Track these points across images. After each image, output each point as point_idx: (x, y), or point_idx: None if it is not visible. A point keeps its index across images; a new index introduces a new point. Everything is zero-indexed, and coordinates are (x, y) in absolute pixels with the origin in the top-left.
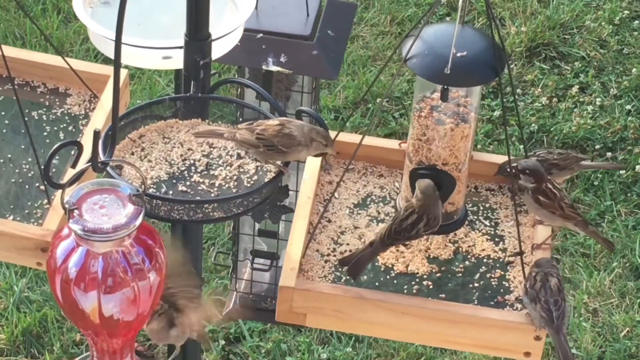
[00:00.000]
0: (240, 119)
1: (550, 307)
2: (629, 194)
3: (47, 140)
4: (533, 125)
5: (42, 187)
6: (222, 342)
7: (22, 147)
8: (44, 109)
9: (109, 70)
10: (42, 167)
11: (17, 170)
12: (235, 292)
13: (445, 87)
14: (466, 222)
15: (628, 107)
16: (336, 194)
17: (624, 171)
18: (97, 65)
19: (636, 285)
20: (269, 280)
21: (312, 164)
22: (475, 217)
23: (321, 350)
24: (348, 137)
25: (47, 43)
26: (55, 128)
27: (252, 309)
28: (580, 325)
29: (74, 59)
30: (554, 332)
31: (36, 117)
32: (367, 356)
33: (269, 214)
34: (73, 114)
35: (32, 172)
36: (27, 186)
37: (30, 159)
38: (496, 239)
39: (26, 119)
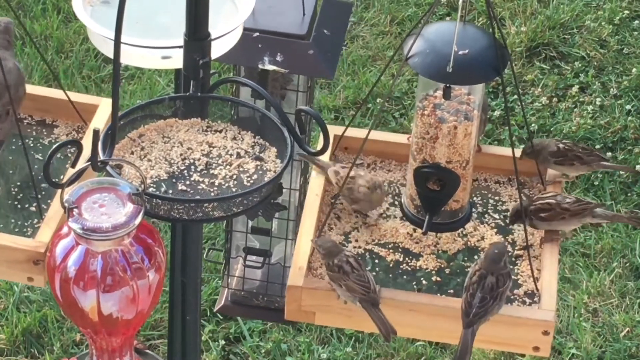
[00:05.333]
0: (235, 117)
1: (472, 302)
2: (629, 194)
3: (36, 166)
4: (533, 125)
5: (33, 208)
6: (222, 342)
7: (11, 172)
8: (32, 139)
9: (96, 100)
10: (42, 166)
11: (6, 193)
12: (227, 289)
13: (448, 85)
14: (475, 216)
15: (628, 107)
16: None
17: (623, 171)
18: (85, 95)
19: (636, 285)
20: (260, 278)
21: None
22: (484, 209)
23: (321, 350)
24: (356, 133)
25: (46, 43)
26: (42, 155)
27: (243, 305)
28: (580, 325)
29: (68, 91)
30: (464, 326)
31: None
32: (367, 356)
33: (263, 211)
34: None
35: (22, 195)
36: (18, 205)
37: (19, 183)
38: (505, 232)
39: (20, 143)
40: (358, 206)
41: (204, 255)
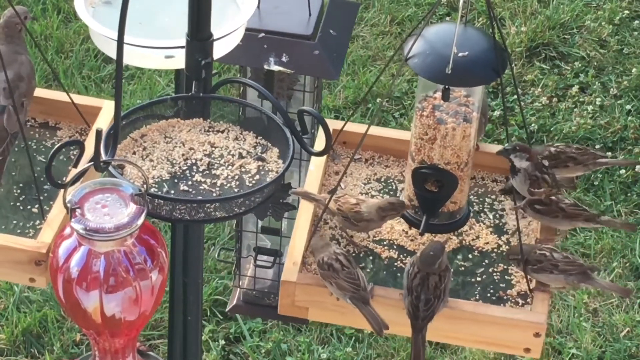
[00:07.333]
0: (243, 117)
1: (418, 305)
2: (629, 194)
3: (38, 168)
4: (533, 125)
5: (35, 210)
6: (222, 342)
7: (13, 173)
8: (35, 141)
9: (99, 102)
10: (44, 167)
11: (8, 194)
12: (238, 289)
13: (447, 87)
14: (471, 215)
15: (628, 107)
16: (342, 185)
17: (624, 171)
18: (88, 97)
19: (636, 285)
20: (272, 277)
21: None
22: (481, 208)
23: (321, 350)
24: (355, 128)
25: (46, 43)
26: (44, 158)
27: (255, 305)
28: (580, 325)
29: (68, 92)
30: (414, 331)
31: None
32: (367, 356)
33: (272, 211)
34: None
35: (24, 196)
36: (20, 207)
37: (21, 185)
38: (500, 232)
39: (22, 145)
40: (359, 227)
41: (216, 255)
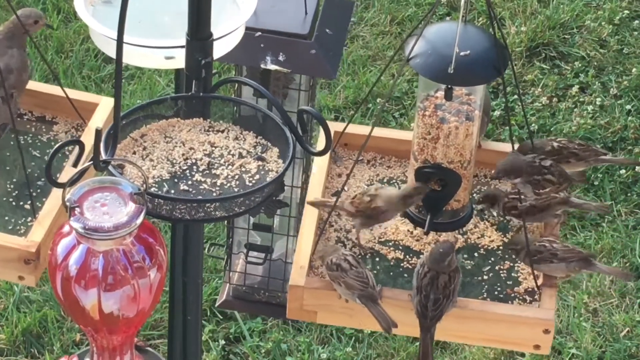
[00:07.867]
0: (237, 115)
1: (427, 304)
2: (629, 194)
3: (32, 163)
4: (533, 125)
5: (27, 206)
6: (222, 342)
7: (8, 168)
8: (30, 135)
9: (96, 98)
10: (41, 165)
11: (3, 190)
12: (228, 284)
13: (449, 86)
14: (475, 212)
15: (628, 107)
16: (345, 187)
17: (624, 171)
18: (86, 93)
19: (636, 285)
20: (262, 273)
21: (321, 157)
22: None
23: (321, 350)
24: (356, 129)
25: (46, 43)
26: (39, 153)
27: (244, 301)
28: (580, 325)
29: (68, 89)
30: (422, 331)
31: (22, 142)
32: (367, 356)
33: (265, 208)
34: (59, 141)
35: (17, 192)
36: (13, 203)
37: (15, 180)
38: (505, 229)
39: (18, 137)
40: (379, 221)
41: (206, 251)
